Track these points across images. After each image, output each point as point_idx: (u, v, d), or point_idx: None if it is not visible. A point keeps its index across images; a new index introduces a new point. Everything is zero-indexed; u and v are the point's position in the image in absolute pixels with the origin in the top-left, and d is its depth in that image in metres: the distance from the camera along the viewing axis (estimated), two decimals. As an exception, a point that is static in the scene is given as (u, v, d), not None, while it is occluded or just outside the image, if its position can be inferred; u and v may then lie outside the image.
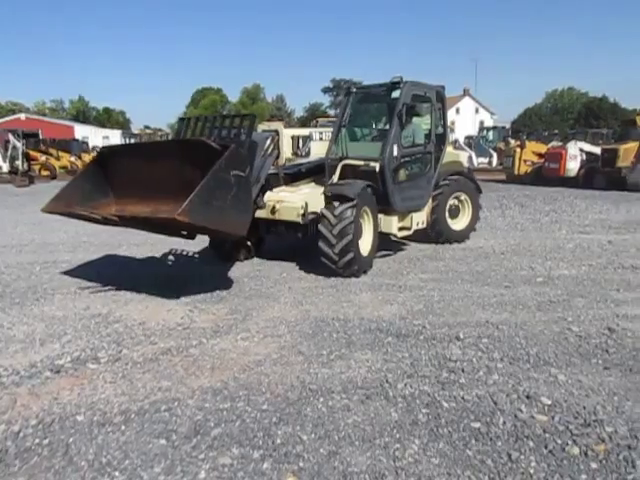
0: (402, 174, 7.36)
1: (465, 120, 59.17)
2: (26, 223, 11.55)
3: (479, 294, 5.70)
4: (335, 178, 7.18)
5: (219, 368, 3.94)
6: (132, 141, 36.11)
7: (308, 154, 8.00)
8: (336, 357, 4.10)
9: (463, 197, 8.59)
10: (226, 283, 6.23)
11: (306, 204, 6.63)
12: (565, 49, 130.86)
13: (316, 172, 7.61)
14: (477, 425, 3.09)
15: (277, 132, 7.09)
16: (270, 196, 6.85)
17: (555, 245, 8.32)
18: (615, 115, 58.23)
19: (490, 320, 4.88)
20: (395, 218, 7.40)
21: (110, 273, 6.71)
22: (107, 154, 6.34)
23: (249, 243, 7.33)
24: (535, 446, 2.87)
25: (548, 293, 5.69)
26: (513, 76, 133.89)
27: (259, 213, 6.66)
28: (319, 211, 6.52)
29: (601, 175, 17.71)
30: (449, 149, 8.69)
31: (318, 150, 7.81)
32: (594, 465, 2.71)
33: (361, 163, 7.16)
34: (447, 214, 8.39)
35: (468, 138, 32.06)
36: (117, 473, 2.71)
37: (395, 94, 7.33)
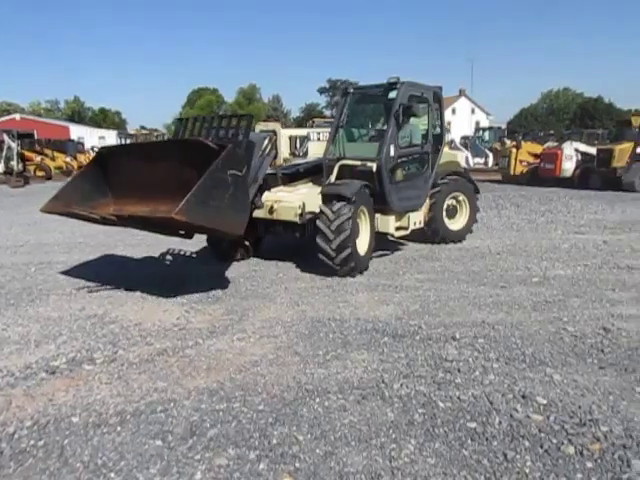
0: (399, 174, 7.37)
1: (461, 120, 59.25)
2: (21, 224, 11.51)
3: (475, 294, 5.71)
4: (332, 178, 7.20)
5: (215, 369, 3.94)
6: (128, 141, 36.00)
7: (306, 154, 8.02)
8: (332, 357, 4.10)
9: (461, 197, 8.61)
10: (222, 283, 6.23)
11: (304, 204, 6.68)
12: (561, 50, 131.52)
13: (314, 172, 7.64)
14: (473, 425, 3.10)
15: (275, 132, 7.09)
16: (268, 196, 6.89)
17: (551, 245, 8.35)
18: (610, 115, 58.44)
19: (486, 320, 4.89)
20: (392, 218, 7.42)
21: (106, 274, 6.69)
22: (106, 154, 6.35)
23: (247, 243, 7.32)
24: (531, 446, 2.88)
25: (544, 293, 5.70)
26: (509, 77, 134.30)
27: (257, 213, 6.72)
28: (317, 209, 6.54)
29: (596, 175, 17.76)
30: (446, 149, 8.71)
31: (316, 150, 7.84)
32: (589, 464, 2.71)
33: (358, 163, 7.17)
34: (444, 214, 8.42)
35: (464, 138, 32.13)
36: (113, 474, 2.70)
37: (392, 95, 7.35)
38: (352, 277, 6.49)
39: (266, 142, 6.65)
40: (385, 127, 7.30)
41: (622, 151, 17.27)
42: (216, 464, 2.77)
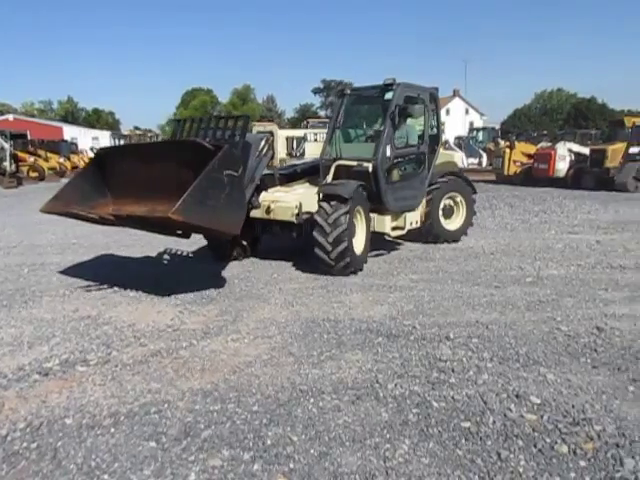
0: (395, 174, 7.43)
1: (455, 121, 59.38)
2: (14, 225, 11.46)
3: (469, 294, 5.73)
4: (329, 178, 7.26)
5: (209, 370, 3.93)
6: (122, 142, 35.89)
7: (302, 155, 8.07)
8: (327, 358, 4.10)
9: (457, 197, 8.65)
10: (217, 284, 6.22)
11: (300, 204, 6.73)
12: (554, 50, 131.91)
13: (311, 173, 7.71)
14: (467, 425, 3.10)
15: (272, 133, 7.17)
16: (265, 196, 6.95)
17: (544, 245, 8.38)
18: (603, 116, 58.67)
19: (480, 320, 4.90)
20: (388, 218, 7.47)
21: (100, 275, 6.66)
22: (104, 155, 6.42)
23: (244, 242, 7.39)
24: (524, 445, 2.89)
25: (537, 293, 5.73)
26: (503, 77, 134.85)
27: (254, 213, 6.77)
28: (313, 210, 6.59)
29: (589, 175, 17.85)
30: (443, 150, 8.76)
31: (312, 151, 7.91)
32: (583, 463, 2.73)
33: (354, 164, 7.22)
34: (441, 214, 8.45)
35: (458, 139, 32.19)
36: (106, 476, 2.69)
37: (388, 96, 7.40)
38: (347, 276, 6.51)
39: (263, 143, 6.73)
40: (381, 128, 7.34)
41: (615, 151, 17.37)
42: (210, 465, 2.76)
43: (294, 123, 61.61)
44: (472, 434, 3.01)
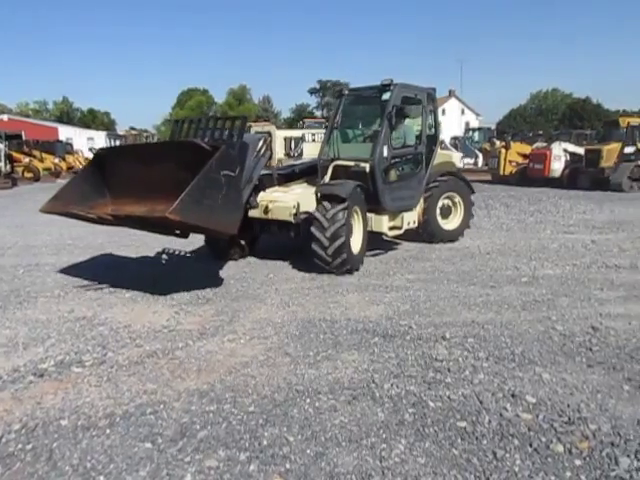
0: (393, 174, 7.47)
1: (451, 121, 59.41)
2: (9, 226, 11.41)
3: (465, 294, 5.74)
4: (327, 178, 7.31)
5: (205, 370, 3.92)
6: (117, 142, 35.82)
7: (300, 155, 8.15)
8: (323, 358, 4.10)
9: (455, 197, 8.67)
10: (213, 284, 6.21)
11: (298, 204, 6.77)
12: (550, 50, 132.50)
13: (309, 173, 7.76)
14: (463, 424, 3.11)
15: (270, 134, 7.19)
16: (263, 196, 6.99)
17: (540, 245, 8.40)
18: (598, 116, 58.86)
19: (476, 320, 4.91)
20: (386, 217, 7.50)
21: (95, 276, 6.65)
22: (104, 155, 6.47)
23: (243, 242, 7.44)
24: (520, 444, 2.90)
25: (533, 293, 5.74)
26: (498, 77, 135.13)
27: (253, 213, 6.82)
28: (311, 209, 6.64)
29: (585, 175, 17.92)
30: (442, 150, 8.79)
31: (310, 151, 7.98)
32: (578, 462, 2.73)
33: (352, 164, 7.27)
34: (438, 214, 8.47)
35: (454, 139, 32.29)
36: (102, 478, 2.68)
37: (385, 96, 7.43)
38: (343, 275, 6.53)
39: (261, 143, 6.75)
40: (379, 128, 7.37)
41: (610, 151, 17.45)
42: (206, 466, 2.76)
43: (290, 123, 61.62)
44: (468, 434, 3.01)
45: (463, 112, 67.34)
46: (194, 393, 3.55)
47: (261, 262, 7.42)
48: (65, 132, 47.26)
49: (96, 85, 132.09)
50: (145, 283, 6.22)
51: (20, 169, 26.00)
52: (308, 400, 3.43)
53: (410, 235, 8.28)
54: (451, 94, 66.84)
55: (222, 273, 6.80)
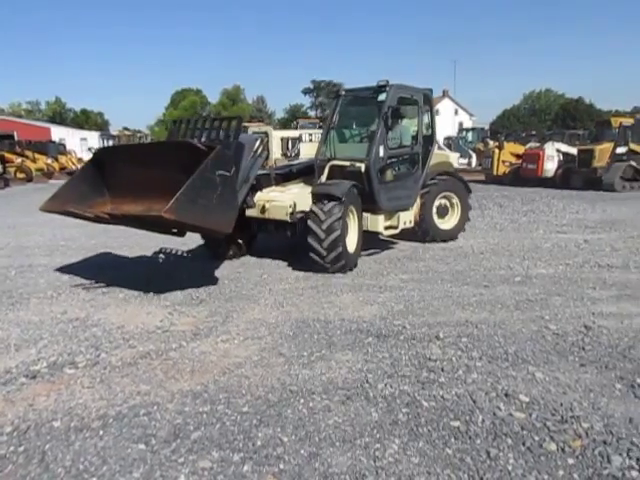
0: (389, 174, 7.53)
1: (444, 121, 59.56)
2: (1, 227, 11.34)
3: (459, 294, 5.75)
4: (323, 178, 7.39)
5: (199, 371, 3.91)
6: (111, 143, 35.69)
7: (297, 155, 8.22)
8: (317, 358, 4.10)
9: (452, 197, 8.70)
10: (206, 285, 6.20)
11: (294, 204, 6.85)
12: (543, 51, 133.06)
13: (306, 173, 7.82)
14: (456, 424, 3.12)
15: (267, 134, 7.26)
16: (260, 196, 7.08)
17: (533, 245, 8.43)
18: (591, 116, 59.16)
19: (469, 319, 4.92)
20: (381, 217, 7.55)
21: (88, 276, 6.62)
22: (103, 155, 6.59)
23: (240, 241, 7.51)
24: (513, 443, 2.91)
25: (526, 292, 5.76)
26: (492, 77, 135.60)
27: (250, 212, 6.93)
28: (307, 209, 6.70)
29: (578, 175, 18.00)
30: (440, 150, 8.85)
31: (307, 151, 8.07)
32: (571, 461, 2.75)
33: (347, 164, 7.33)
34: (435, 214, 8.51)
35: (447, 139, 32.35)
36: (95, 479, 2.67)
37: (381, 97, 7.48)
38: (338, 273, 6.58)
39: (258, 143, 6.85)
40: (375, 129, 7.40)
41: (602, 151, 17.53)
42: (200, 467, 2.75)
43: (284, 123, 61.56)
44: (461, 433, 3.02)
45: (457, 112, 67.50)
46: (188, 394, 3.54)
47: (255, 262, 7.42)
48: (58, 132, 47.00)
49: (89, 85, 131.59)
50: (139, 284, 6.20)
51: (12, 170, 25.82)
52: (302, 400, 3.42)
53: (406, 234, 8.32)
54: (445, 94, 66.95)
55: (216, 273, 6.79)
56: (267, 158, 7.22)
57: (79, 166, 29.57)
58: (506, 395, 3.44)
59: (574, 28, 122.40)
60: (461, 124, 57.18)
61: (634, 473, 2.63)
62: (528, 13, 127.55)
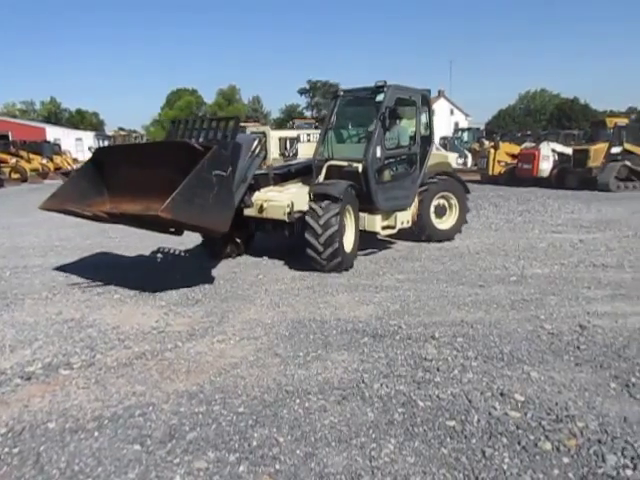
0: (386, 175, 7.57)
1: (440, 121, 59.54)
2: (-4, 227, 11.29)
3: (454, 294, 5.76)
4: (321, 178, 7.42)
5: (195, 371, 3.91)
6: (106, 143, 35.59)
7: (295, 155, 8.28)
8: (313, 358, 4.10)
9: (450, 197, 8.72)
10: (202, 285, 6.19)
11: (292, 203, 6.90)
12: (538, 51, 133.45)
13: (305, 173, 7.86)
14: (452, 423, 3.12)
15: (264, 134, 7.31)
16: (258, 195, 7.15)
17: (528, 244, 8.46)
18: (586, 116, 59.39)
19: (465, 319, 4.93)
20: (379, 217, 7.58)
21: (83, 277, 6.60)
22: (102, 154, 6.70)
23: (238, 240, 7.57)
24: (509, 442, 2.91)
25: (521, 292, 5.78)
26: (487, 78, 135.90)
27: (248, 211, 7.02)
28: (305, 208, 6.76)
29: (573, 175, 18.07)
30: (439, 151, 8.89)
31: (305, 151, 8.14)
32: (566, 460, 2.75)
33: (345, 164, 7.37)
34: (432, 214, 8.53)
35: (443, 139, 32.39)
36: (90, 480, 2.66)
37: (379, 98, 7.51)
38: (333, 273, 6.59)
39: (255, 143, 6.92)
40: (372, 129, 7.43)
41: (597, 151, 17.60)
42: (195, 467, 2.75)
43: (280, 123, 61.52)
44: (457, 433, 3.02)
45: (452, 112, 67.56)
46: (183, 394, 3.53)
47: (251, 262, 7.41)
48: (53, 132, 46.84)
49: (84, 85, 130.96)
50: (134, 284, 6.19)
51: (7, 170, 25.71)
52: (298, 400, 3.42)
53: (404, 234, 8.35)
54: (440, 94, 67.02)
55: (212, 273, 6.78)
56: (265, 158, 7.27)
57: (74, 166, 29.59)
58: (501, 394, 3.45)
59: (570, 28, 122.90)
60: (457, 124, 57.25)
61: (629, 472, 2.64)
62: (524, 13, 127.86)
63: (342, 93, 8.20)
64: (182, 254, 8.04)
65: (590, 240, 8.71)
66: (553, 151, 19.17)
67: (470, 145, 28.30)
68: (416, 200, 8.20)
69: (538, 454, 2.80)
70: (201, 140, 6.28)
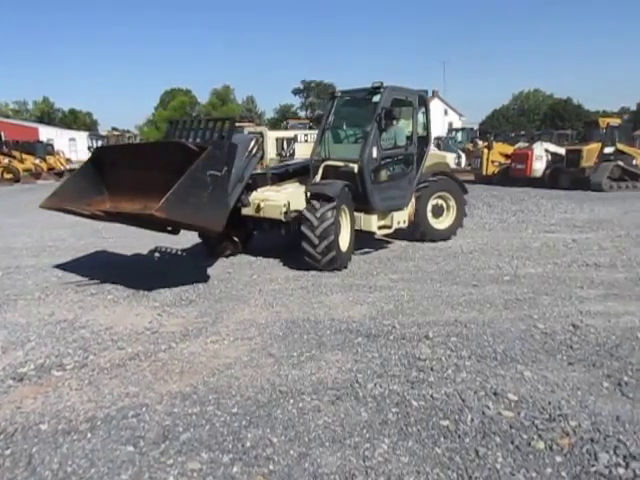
0: (382, 175, 7.61)
1: (434, 121, 59.61)
2: (-12, 227, 11.22)
3: (448, 293, 5.77)
4: (317, 178, 7.47)
5: (188, 372, 3.90)
6: (99, 143, 35.39)
7: (292, 155, 8.33)
8: (307, 358, 4.10)
9: (447, 197, 8.74)
10: (196, 285, 6.17)
11: (289, 203, 6.98)
12: (531, 52, 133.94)
13: (302, 173, 7.91)
14: (446, 423, 3.13)
15: (262, 134, 7.35)
16: (256, 195, 7.23)
17: (522, 244, 8.49)
18: (579, 117, 59.67)
19: (459, 319, 4.94)
20: (375, 217, 7.62)
21: (76, 278, 6.57)
22: (102, 154, 6.79)
23: (236, 239, 7.63)
24: (502, 442, 2.92)
25: (515, 291, 5.79)
26: (481, 78, 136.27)
27: (246, 211, 7.11)
28: (301, 208, 6.81)
29: (566, 175, 18.15)
30: (437, 151, 8.93)
31: (302, 151, 8.19)
32: (559, 459, 2.76)
33: (341, 164, 7.42)
34: (429, 213, 8.55)
35: (437, 139, 32.39)
36: (82, 482, 2.65)
37: (376, 98, 7.55)
38: (329, 273, 6.60)
39: (252, 143, 7.00)
40: (369, 130, 7.45)
41: (590, 151, 17.69)
42: (189, 468, 2.74)
43: (274, 124, 61.51)
44: (451, 432, 3.03)
45: (446, 112, 67.73)
46: (177, 395, 3.52)
47: (245, 263, 7.40)
48: (46, 133, 46.67)
49: (77, 85, 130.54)
50: (128, 284, 6.17)
51: (-1, 170, 25.59)
52: (292, 401, 3.42)
53: (402, 234, 8.37)
54: (434, 95, 67.05)
55: (206, 274, 6.76)
56: (262, 158, 7.36)
57: (67, 166, 29.45)
58: (495, 394, 3.46)
59: (563, 29, 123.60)
60: (451, 124, 57.39)
61: (621, 470, 2.65)
62: (517, 14, 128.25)
63: (339, 94, 8.24)
64: (179, 253, 8.05)
65: (583, 240, 8.75)
66: (546, 151, 19.25)
67: (464, 145, 28.33)
68: (413, 200, 8.22)
69: (531, 453, 2.81)
70: (198, 140, 6.37)
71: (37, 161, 28.27)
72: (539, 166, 18.91)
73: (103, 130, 59.03)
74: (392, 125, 7.68)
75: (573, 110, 66.27)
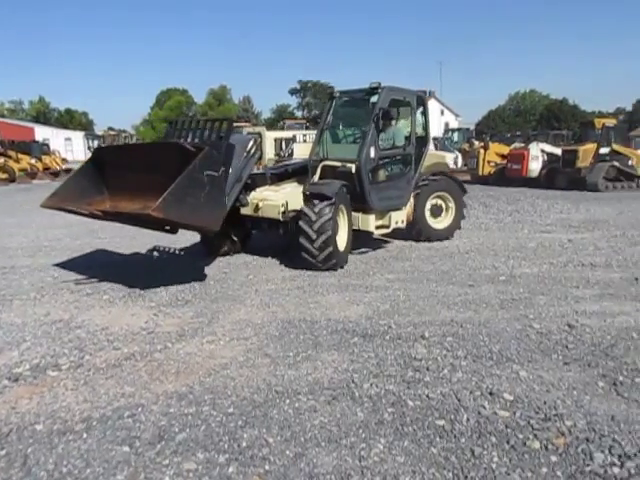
0: (380, 175, 7.64)
1: (431, 122, 59.84)
2: (-17, 227, 11.17)
3: (444, 293, 5.78)
4: (315, 178, 7.51)
5: (184, 372, 3.89)
6: (95, 143, 35.37)
7: (291, 155, 8.39)
8: (303, 358, 4.10)
9: (446, 197, 8.76)
10: (192, 286, 6.17)
11: (287, 202, 7.02)
12: (527, 52, 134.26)
13: (301, 172, 7.94)
14: (441, 423, 3.13)
15: (260, 134, 7.40)
16: (254, 195, 7.29)
17: (518, 244, 8.51)
18: (575, 117, 59.88)
19: (455, 319, 4.95)
20: (373, 216, 7.64)
21: (72, 278, 6.55)
22: (102, 154, 6.86)
23: (235, 238, 7.70)
24: (497, 441, 2.93)
25: (511, 291, 5.81)
26: (477, 78, 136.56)
27: (244, 210, 7.18)
28: (299, 208, 6.86)
29: (562, 175, 18.21)
30: (437, 151, 8.97)
31: (300, 152, 8.25)
32: (554, 458, 2.77)
33: (339, 164, 7.44)
34: (428, 213, 8.57)
35: (433, 139, 32.46)
36: (78, 482, 2.64)
37: (374, 99, 7.57)
38: (326, 272, 6.64)
39: (251, 144, 7.04)
40: (367, 130, 7.46)
41: (586, 152, 17.75)
42: (185, 469, 2.73)
43: (271, 124, 61.45)
44: (446, 432, 3.03)
45: (442, 113, 67.83)
46: (172, 395, 3.52)
47: (242, 263, 7.40)
48: (42, 132, 46.58)
49: (73, 85, 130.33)
50: (123, 284, 6.16)
51: (-5, 170, 25.48)
52: (288, 401, 3.42)
53: (400, 233, 8.39)
54: (431, 95, 67.18)
55: (201, 274, 6.75)
56: (260, 158, 7.42)
57: (63, 166, 29.37)
58: (490, 394, 3.46)
59: (559, 30, 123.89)
60: (447, 124, 57.43)
61: (616, 470, 2.66)
62: (514, 14, 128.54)
63: (338, 94, 8.26)
64: (177, 252, 8.05)
65: (579, 240, 8.77)
66: (542, 151, 19.32)
67: (460, 145, 28.39)
68: (411, 200, 8.24)
69: (527, 453, 2.82)
70: (197, 141, 6.43)
71: (33, 161, 28.20)
72: (535, 166, 18.98)
73: (99, 130, 58.95)
74: (390, 125, 7.71)
75: (569, 110, 66.46)
